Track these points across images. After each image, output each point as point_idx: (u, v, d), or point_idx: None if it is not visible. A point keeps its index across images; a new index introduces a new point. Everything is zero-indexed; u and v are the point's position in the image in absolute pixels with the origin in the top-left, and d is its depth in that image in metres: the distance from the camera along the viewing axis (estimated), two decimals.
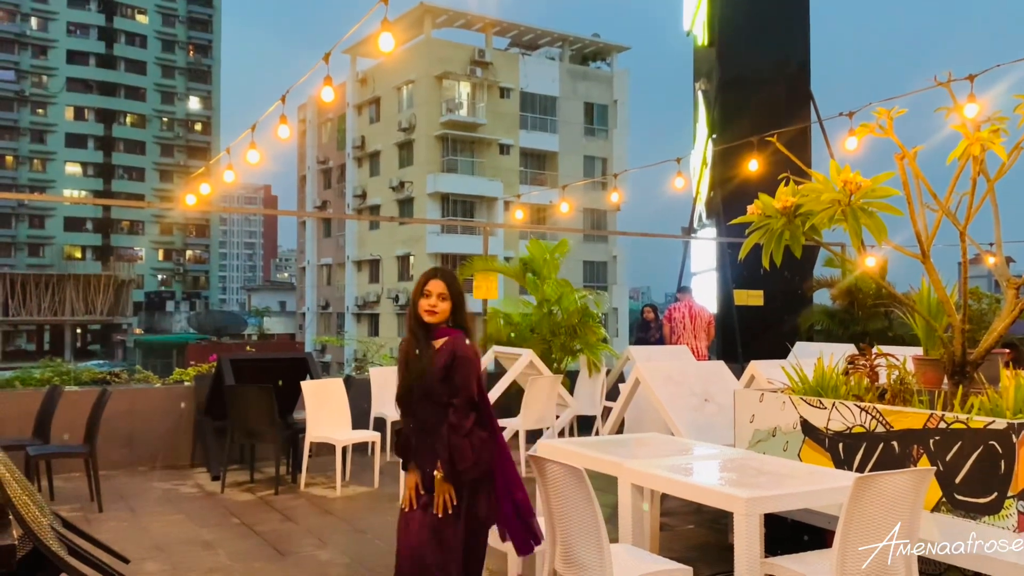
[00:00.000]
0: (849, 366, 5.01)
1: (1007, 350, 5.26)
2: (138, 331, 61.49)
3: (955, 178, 4.98)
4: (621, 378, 9.61)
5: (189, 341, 44.66)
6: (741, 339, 12.21)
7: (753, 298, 12.48)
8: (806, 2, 13.53)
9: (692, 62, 13.98)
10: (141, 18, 76.68)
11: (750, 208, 5.05)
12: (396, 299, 44.20)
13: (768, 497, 3.37)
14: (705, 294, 12.48)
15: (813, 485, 3.53)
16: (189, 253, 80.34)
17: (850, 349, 9.69)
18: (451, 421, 3.33)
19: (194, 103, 79.84)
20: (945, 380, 5.14)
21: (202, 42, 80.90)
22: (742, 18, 13.15)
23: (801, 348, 10.41)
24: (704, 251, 13.25)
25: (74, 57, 72.36)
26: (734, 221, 5.08)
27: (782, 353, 10.40)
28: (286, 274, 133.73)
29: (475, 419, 3.40)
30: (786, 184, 4.98)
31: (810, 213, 4.70)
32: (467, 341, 3.47)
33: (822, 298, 13.70)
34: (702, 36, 13.37)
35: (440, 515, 3.34)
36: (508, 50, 47.52)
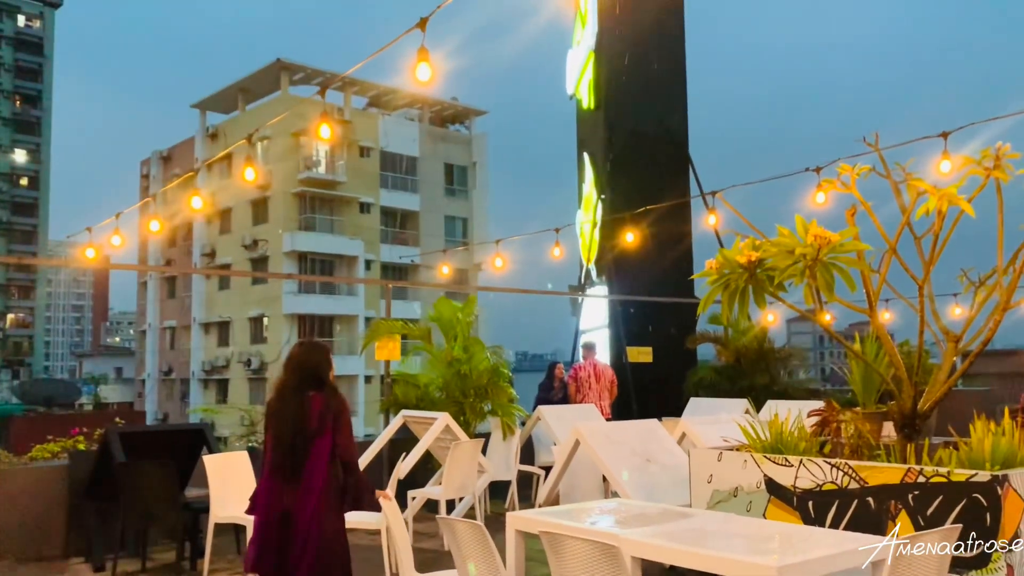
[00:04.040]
0: (816, 423, 4.97)
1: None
2: None
3: (898, 234, 5.15)
4: (528, 440, 9.35)
5: (15, 413, 40.54)
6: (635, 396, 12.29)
7: (643, 355, 12.62)
8: (683, 70, 14.14)
9: (576, 124, 14.23)
10: None
11: (708, 263, 5.00)
12: (248, 363, 42.13)
13: (798, 564, 3.20)
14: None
15: (838, 548, 3.39)
16: (11, 317, 73.90)
17: (742, 403, 9.93)
18: None
19: (20, 156, 74.40)
20: (892, 432, 5.24)
21: (31, 92, 75.87)
22: (627, 83, 13.54)
23: (696, 404, 10.52)
24: (594, 310, 13.35)
25: None
26: (695, 276, 5.01)
27: (676, 409, 10.50)
28: (118, 338, 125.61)
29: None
30: (743, 240, 4.98)
31: (775, 268, 4.69)
32: None
33: (704, 352, 14.07)
34: (587, 99, 13.65)
35: None
36: (367, 109, 47.23)
